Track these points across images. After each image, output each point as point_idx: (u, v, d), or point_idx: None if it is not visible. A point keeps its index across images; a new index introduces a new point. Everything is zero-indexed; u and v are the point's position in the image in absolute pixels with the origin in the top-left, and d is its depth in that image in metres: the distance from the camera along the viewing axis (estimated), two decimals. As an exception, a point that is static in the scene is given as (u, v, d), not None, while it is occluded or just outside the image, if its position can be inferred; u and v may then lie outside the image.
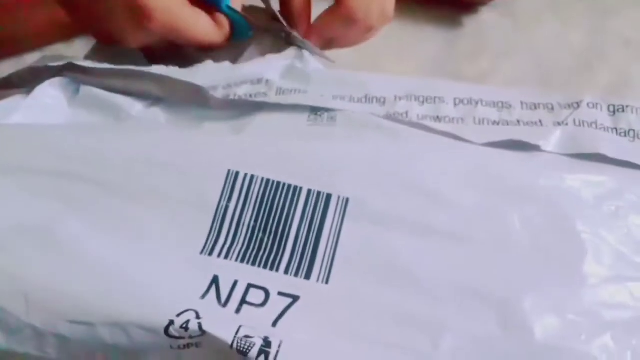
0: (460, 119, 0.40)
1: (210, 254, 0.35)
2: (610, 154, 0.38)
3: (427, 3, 0.63)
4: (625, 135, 0.39)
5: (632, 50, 0.62)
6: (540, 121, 0.40)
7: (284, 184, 0.36)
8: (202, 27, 0.47)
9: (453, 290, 0.33)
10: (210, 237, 0.35)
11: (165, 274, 0.34)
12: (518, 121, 0.40)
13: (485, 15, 0.65)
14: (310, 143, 0.38)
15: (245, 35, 0.49)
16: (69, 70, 0.43)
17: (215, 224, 0.36)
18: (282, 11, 0.49)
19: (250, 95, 0.41)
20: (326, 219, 0.35)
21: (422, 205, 0.36)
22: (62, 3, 0.47)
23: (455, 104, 0.41)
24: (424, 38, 0.62)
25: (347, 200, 0.36)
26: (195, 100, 0.42)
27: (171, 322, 0.31)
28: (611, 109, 0.40)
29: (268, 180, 0.36)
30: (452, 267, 0.34)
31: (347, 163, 0.37)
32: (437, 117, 0.40)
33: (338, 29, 0.49)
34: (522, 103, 0.41)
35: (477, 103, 0.41)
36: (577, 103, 0.40)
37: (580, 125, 0.39)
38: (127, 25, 0.45)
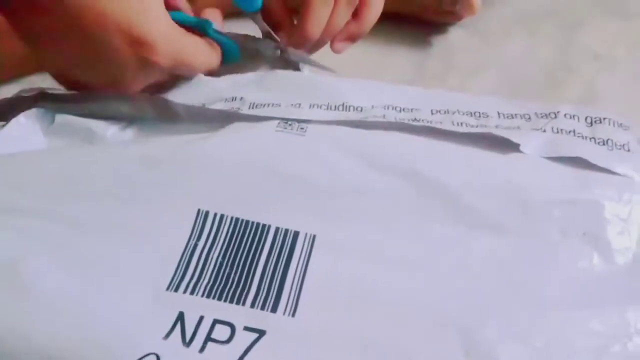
0: (438, 122, 0.40)
1: (177, 290, 0.34)
2: (590, 158, 0.38)
3: (395, 22, 0.63)
4: (603, 144, 0.39)
5: (601, 63, 0.63)
6: (519, 127, 0.40)
7: (253, 223, 0.36)
8: (204, 53, 0.45)
9: (418, 319, 0.33)
10: (177, 274, 0.35)
11: (131, 312, 0.34)
12: (496, 126, 0.40)
13: (453, 35, 0.65)
14: (278, 167, 0.38)
15: (236, 58, 0.48)
16: (43, 99, 0.43)
17: (182, 261, 0.35)
18: (265, 19, 0.49)
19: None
20: (293, 254, 0.35)
21: (387, 235, 0.36)
22: (32, 43, 0.43)
23: (432, 113, 0.41)
24: (394, 59, 0.62)
25: (314, 237, 0.36)
26: (166, 115, 0.42)
27: None
28: (588, 120, 0.40)
29: (237, 219, 0.36)
30: (417, 296, 0.34)
31: (313, 197, 0.37)
32: (415, 118, 0.40)
33: (319, 9, 0.48)
34: (499, 113, 0.41)
35: (454, 112, 0.41)
36: (555, 113, 0.41)
37: (558, 132, 0.39)
38: (129, 63, 0.40)
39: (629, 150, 0.39)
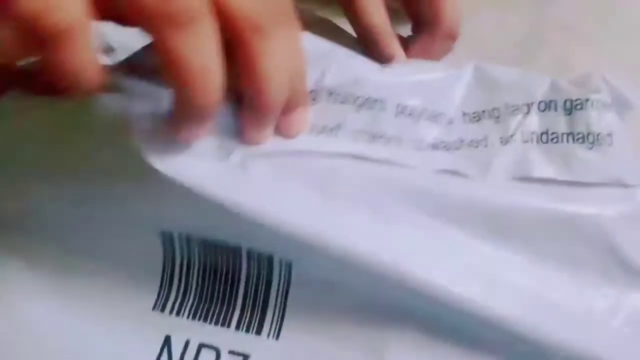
0: (397, 139, 0.36)
1: (163, 310, 0.35)
2: (561, 176, 0.35)
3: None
4: (583, 141, 0.35)
5: (571, 35, 0.63)
6: (486, 138, 0.36)
7: (223, 245, 0.35)
8: None
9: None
10: (162, 293, 0.35)
11: (118, 336, 0.34)
12: (461, 140, 0.37)
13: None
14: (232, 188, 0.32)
15: None
16: None
17: (165, 280, 0.35)
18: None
19: None
20: (272, 278, 0.35)
21: None
22: None
23: (396, 113, 0.36)
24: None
25: (290, 263, 0.34)
26: None
27: None
28: (568, 105, 0.36)
29: (205, 241, 0.35)
30: None
31: (279, 222, 0.32)
32: (373, 136, 0.36)
33: (439, 49, 0.46)
34: (464, 114, 0.37)
35: (419, 116, 0.37)
36: (528, 106, 0.37)
37: (528, 141, 0.36)
38: None
39: (611, 144, 0.35)
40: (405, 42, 0.45)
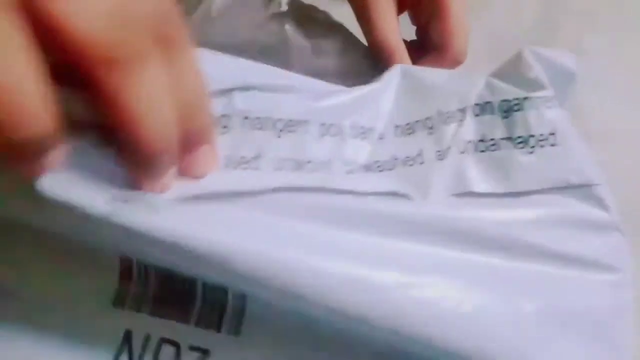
0: (326, 163, 0.33)
1: (123, 306, 0.34)
2: (501, 188, 0.33)
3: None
4: (523, 145, 0.33)
5: (585, 21, 0.61)
6: (421, 153, 0.34)
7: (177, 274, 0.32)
8: None
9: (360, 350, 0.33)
10: (121, 290, 0.34)
11: (78, 331, 0.34)
12: (395, 159, 0.34)
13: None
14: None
15: None
16: None
17: (123, 278, 0.34)
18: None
19: None
20: (228, 296, 0.33)
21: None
22: None
23: (321, 134, 0.33)
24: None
25: (244, 294, 0.32)
26: None
27: None
28: (504, 107, 0.34)
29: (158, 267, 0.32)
30: None
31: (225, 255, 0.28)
32: (299, 163, 0.33)
33: None
34: (396, 127, 0.35)
35: (346, 134, 0.34)
36: (462, 111, 0.34)
37: (465, 151, 0.34)
38: None
39: (554, 144, 0.33)
40: (409, 47, 0.45)
